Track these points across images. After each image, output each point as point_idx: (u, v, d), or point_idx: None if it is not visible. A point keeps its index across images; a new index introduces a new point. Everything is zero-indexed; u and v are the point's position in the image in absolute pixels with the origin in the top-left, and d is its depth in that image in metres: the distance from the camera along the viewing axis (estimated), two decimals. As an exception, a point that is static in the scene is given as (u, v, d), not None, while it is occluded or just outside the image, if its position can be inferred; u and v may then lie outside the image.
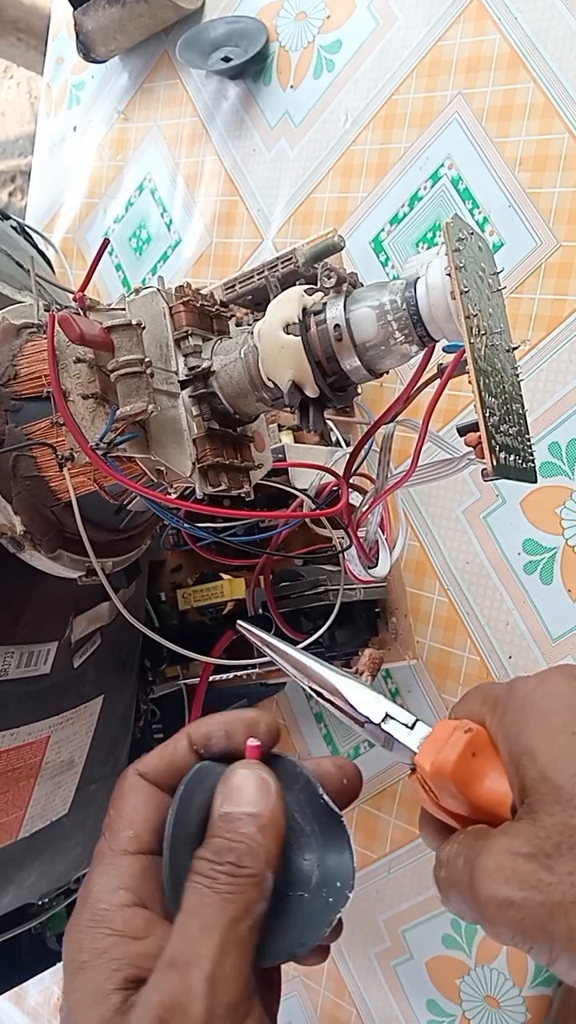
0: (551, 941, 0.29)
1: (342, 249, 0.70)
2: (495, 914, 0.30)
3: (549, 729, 0.33)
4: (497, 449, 0.37)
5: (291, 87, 0.85)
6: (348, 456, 0.51)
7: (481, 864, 0.31)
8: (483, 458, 0.37)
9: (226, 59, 0.87)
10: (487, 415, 0.37)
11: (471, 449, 0.41)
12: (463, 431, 0.41)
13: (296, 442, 0.68)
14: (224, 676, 0.70)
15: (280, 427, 0.69)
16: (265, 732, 0.39)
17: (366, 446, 0.50)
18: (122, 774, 0.39)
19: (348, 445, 0.72)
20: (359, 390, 0.44)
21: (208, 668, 0.68)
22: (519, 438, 0.40)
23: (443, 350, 0.40)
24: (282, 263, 0.71)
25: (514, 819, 0.33)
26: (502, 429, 0.38)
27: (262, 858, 0.34)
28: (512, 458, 0.38)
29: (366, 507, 0.51)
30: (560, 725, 0.33)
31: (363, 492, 0.58)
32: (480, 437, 0.36)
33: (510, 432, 0.39)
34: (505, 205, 0.72)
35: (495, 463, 0.37)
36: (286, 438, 0.68)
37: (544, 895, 0.29)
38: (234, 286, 0.75)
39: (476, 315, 0.37)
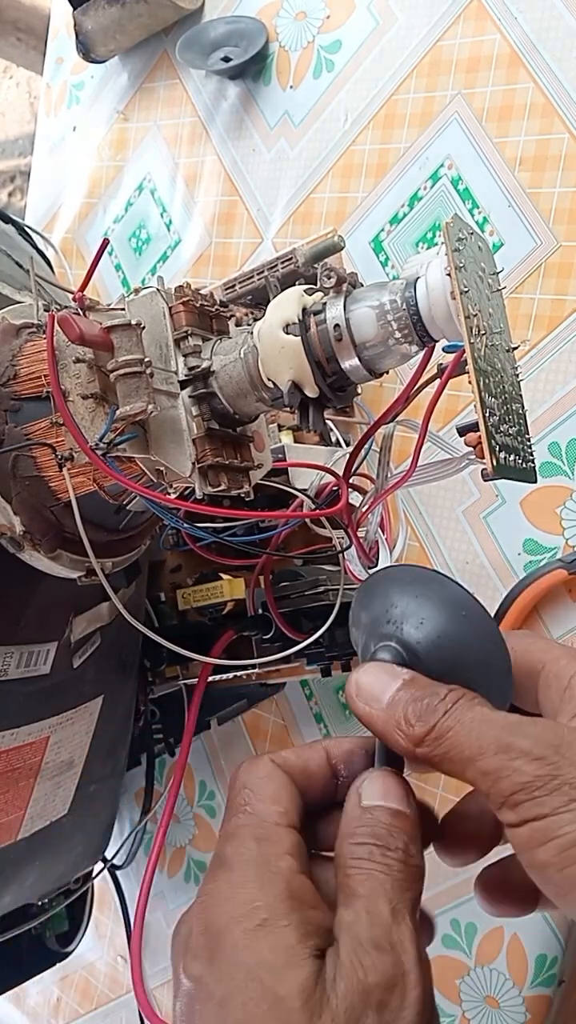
0: (569, 802, 0.30)
1: (342, 249, 0.70)
2: (528, 762, 0.31)
3: None
4: (497, 449, 0.37)
5: (291, 87, 0.85)
6: (348, 456, 0.51)
7: (525, 729, 0.32)
8: (483, 458, 0.37)
9: (226, 59, 0.87)
10: (487, 415, 0.37)
11: (471, 449, 0.41)
12: (463, 431, 0.41)
13: (296, 442, 0.68)
14: (224, 676, 0.70)
15: (280, 427, 0.69)
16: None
17: (366, 446, 0.50)
18: (253, 760, 0.38)
19: (348, 445, 0.72)
20: (359, 390, 0.44)
21: (207, 668, 0.68)
22: (519, 438, 0.40)
23: (443, 350, 0.40)
24: (282, 263, 0.71)
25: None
26: (502, 429, 0.38)
27: (421, 853, 0.35)
28: (512, 458, 0.38)
29: (366, 507, 0.51)
30: None
31: (363, 492, 0.58)
32: (480, 437, 0.36)
33: (510, 432, 0.39)
34: (505, 205, 0.72)
35: (495, 463, 0.37)
36: (286, 438, 0.68)
37: None
38: (234, 286, 0.75)
39: (476, 315, 0.37)
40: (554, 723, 0.34)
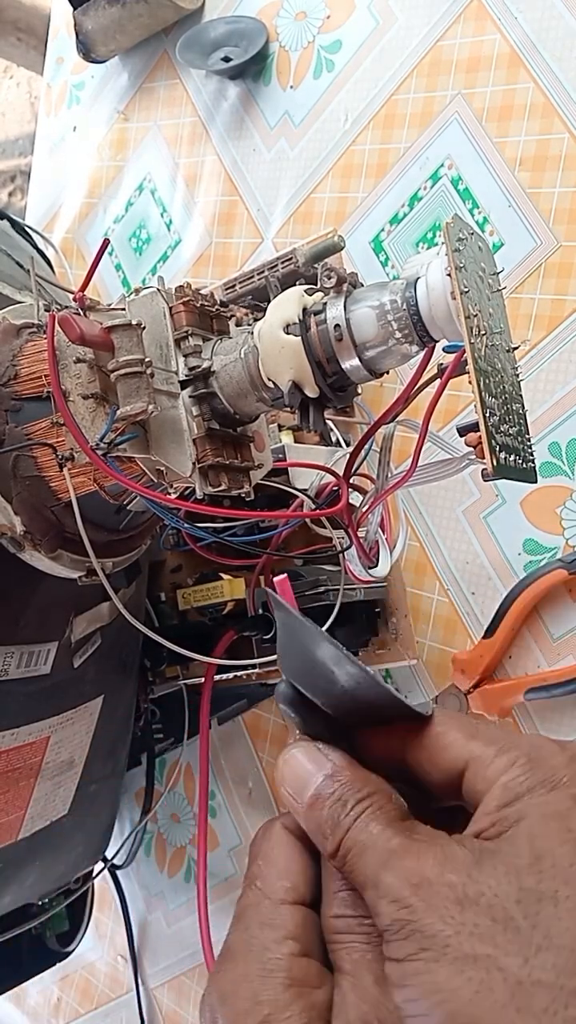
0: (419, 951, 0.29)
1: (342, 249, 0.70)
2: (388, 903, 0.30)
3: (551, 812, 0.31)
4: (497, 449, 0.37)
5: (291, 87, 0.85)
6: (348, 456, 0.51)
7: (403, 862, 0.31)
8: (483, 458, 0.37)
9: (226, 59, 0.87)
10: (487, 415, 0.37)
11: (471, 449, 0.41)
12: (463, 431, 0.41)
13: (296, 442, 0.68)
14: (224, 676, 0.70)
15: (280, 427, 0.69)
16: None
17: (366, 446, 0.50)
18: (265, 826, 0.38)
19: (348, 445, 0.72)
20: (359, 390, 0.44)
21: (212, 669, 0.68)
22: (519, 438, 0.40)
23: (443, 350, 0.40)
24: (282, 263, 0.71)
25: (467, 842, 0.32)
26: (502, 429, 0.38)
27: None
28: (512, 458, 0.38)
29: (366, 507, 0.51)
30: (563, 815, 0.31)
31: (363, 492, 0.58)
32: (480, 437, 0.36)
33: (510, 432, 0.39)
34: (505, 205, 0.72)
35: (495, 463, 0.37)
36: (286, 438, 0.68)
37: (440, 923, 0.29)
38: (234, 286, 0.75)
39: (476, 315, 0.37)
40: (433, 849, 0.31)
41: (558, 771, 0.32)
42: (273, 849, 0.37)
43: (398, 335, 0.39)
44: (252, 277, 0.74)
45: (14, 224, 0.79)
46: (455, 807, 0.36)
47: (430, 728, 0.36)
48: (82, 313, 0.44)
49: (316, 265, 0.68)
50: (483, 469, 0.37)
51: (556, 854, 0.29)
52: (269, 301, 0.43)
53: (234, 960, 0.34)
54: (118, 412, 0.41)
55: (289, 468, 0.62)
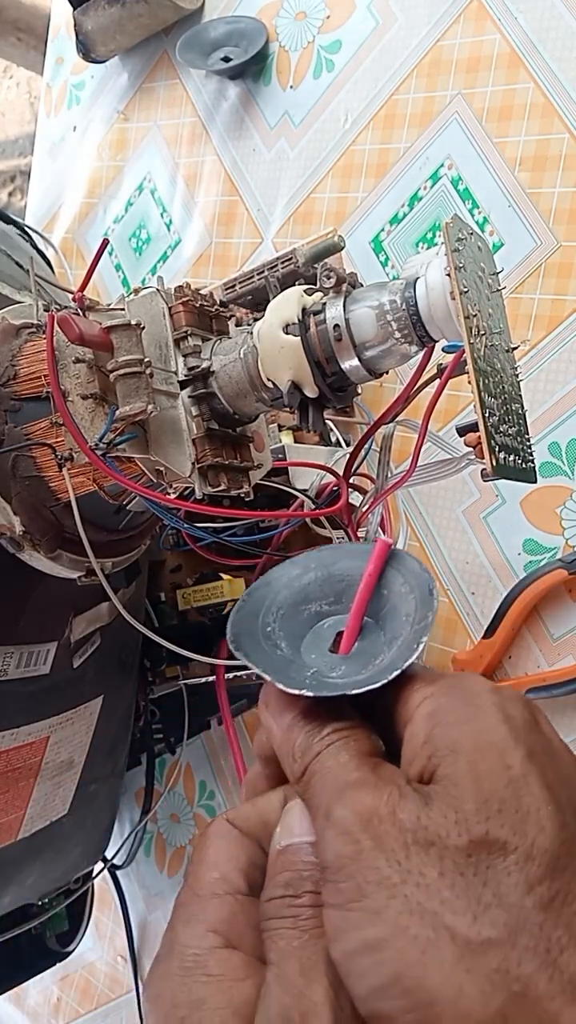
0: (360, 897, 0.27)
1: (342, 249, 0.70)
2: (335, 835, 0.28)
3: (485, 742, 0.29)
4: (497, 449, 0.37)
5: (291, 87, 0.85)
6: (348, 456, 0.51)
7: (358, 794, 0.29)
8: (483, 458, 0.37)
9: (226, 59, 0.87)
10: (487, 415, 0.37)
11: (471, 449, 0.41)
12: (463, 431, 0.41)
13: (296, 442, 0.68)
14: (225, 677, 0.70)
15: (280, 427, 0.69)
16: None
17: (366, 446, 0.50)
18: (209, 823, 0.36)
19: (348, 445, 0.72)
20: (359, 390, 0.44)
21: (223, 668, 0.68)
22: (519, 438, 0.40)
23: (443, 350, 0.40)
24: (282, 263, 0.71)
25: (416, 784, 0.30)
26: (502, 429, 0.38)
27: None
28: (512, 458, 0.38)
29: (366, 507, 0.51)
30: (498, 747, 0.29)
31: (363, 492, 0.58)
32: (480, 437, 0.36)
33: (510, 432, 0.39)
34: (505, 205, 0.72)
35: (495, 463, 0.37)
36: (286, 438, 0.68)
37: (386, 864, 0.27)
38: (234, 286, 0.75)
39: (476, 315, 0.37)
40: (389, 787, 0.29)
41: (481, 695, 0.31)
42: (208, 842, 0.35)
43: (397, 335, 0.39)
44: (252, 277, 0.73)
45: (14, 224, 0.79)
46: None
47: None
48: (81, 313, 0.44)
49: (316, 265, 0.68)
50: (482, 469, 0.37)
51: (501, 797, 0.28)
52: (269, 301, 0.43)
53: (160, 960, 0.32)
54: (117, 412, 0.41)
55: (289, 468, 0.62)
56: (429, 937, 0.26)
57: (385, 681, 0.32)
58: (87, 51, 0.96)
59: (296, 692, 0.32)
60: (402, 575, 0.36)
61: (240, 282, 0.74)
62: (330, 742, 0.32)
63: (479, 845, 0.27)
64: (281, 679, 0.33)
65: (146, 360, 0.41)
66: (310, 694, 0.32)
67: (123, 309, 0.45)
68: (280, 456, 0.63)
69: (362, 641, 0.35)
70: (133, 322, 0.42)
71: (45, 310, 0.51)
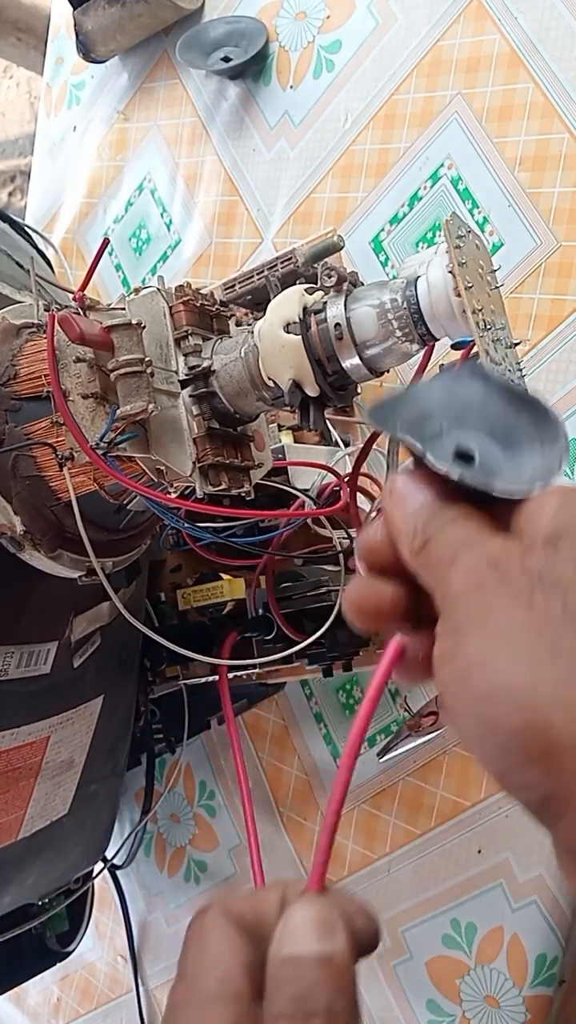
0: (482, 612, 0.28)
1: (342, 249, 0.70)
2: (458, 576, 0.29)
3: None
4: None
5: (291, 87, 0.85)
6: (356, 456, 0.51)
7: (483, 541, 0.29)
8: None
9: (226, 59, 0.87)
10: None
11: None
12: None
13: (296, 442, 0.68)
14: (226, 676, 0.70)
15: (280, 427, 0.69)
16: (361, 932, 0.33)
17: (371, 447, 0.50)
18: (200, 911, 0.33)
19: (347, 445, 0.72)
20: (359, 389, 0.44)
21: (225, 668, 0.68)
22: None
23: (451, 347, 0.40)
24: (282, 263, 0.71)
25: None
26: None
27: (351, 999, 0.29)
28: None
29: (376, 512, 0.51)
30: None
31: (366, 493, 0.58)
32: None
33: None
34: (505, 205, 0.72)
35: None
36: (286, 438, 0.68)
37: (508, 600, 0.28)
38: (234, 286, 0.75)
39: (481, 310, 0.37)
40: (515, 541, 0.30)
41: None
42: (206, 936, 0.32)
43: (398, 333, 0.39)
44: (252, 277, 0.73)
45: (14, 224, 0.79)
46: None
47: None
48: (82, 313, 0.44)
49: (316, 265, 0.68)
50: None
51: None
52: (269, 301, 0.43)
53: None
54: (118, 411, 0.41)
55: (289, 468, 0.62)
56: (547, 652, 0.26)
57: (542, 486, 0.31)
58: (87, 51, 0.96)
59: (445, 469, 0.31)
60: (527, 413, 0.35)
61: (240, 282, 0.74)
62: (456, 516, 0.31)
63: None
64: (432, 453, 0.31)
65: (147, 359, 0.41)
66: (459, 478, 0.31)
67: (124, 309, 0.45)
68: (280, 456, 0.63)
69: (483, 459, 0.34)
70: (134, 321, 0.42)
71: (46, 310, 0.51)
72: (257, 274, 0.73)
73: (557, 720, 0.25)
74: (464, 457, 0.33)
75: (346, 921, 0.31)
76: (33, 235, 0.90)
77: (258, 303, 0.74)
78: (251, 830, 0.36)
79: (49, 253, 0.94)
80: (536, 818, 0.27)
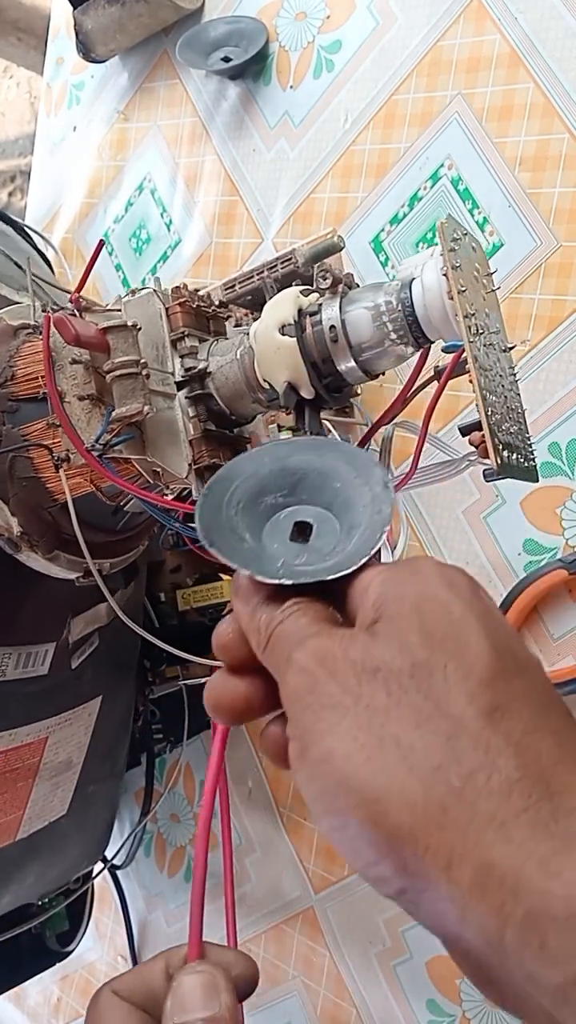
0: (315, 722, 0.29)
1: (342, 249, 0.70)
2: (295, 673, 0.30)
3: (429, 596, 0.31)
4: (500, 448, 0.37)
5: (291, 87, 0.85)
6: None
7: (314, 641, 0.31)
8: (487, 457, 0.36)
9: (226, 59, 0.87)
10: (489, 413, 0.37)
11: (471, 450, 0.40)
12: (466, 431, 0.41)
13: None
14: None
15: (280, 428, 0.69)
16: (241, 979, 0.38)
17: (365, 448, 0.50)
18: (96, 995, 0.38)
19: (347, 445, 0.72)
20: (358, 391, 0.44)
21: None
22: (520, 436, 0.40)
23: (442, 350, 0.40)
24: (281, 263, 0.71)
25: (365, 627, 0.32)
26: (504, 428, 0.38)
27: None
28: (515, 457, 0.38)
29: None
30: (442, 600, 0.31)
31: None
32: (483, 436, 0.36)
33: (512, 431, 0.39)
34: (505, 205, 0.72)
35: (499, 461, 0.36)
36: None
37: (338, 690, 0.29)
38: (234, 286, 0.75)
39: (473, 314, 0.37)
40: (341, 633, 0.31)
41: (426, 566, 0.33)
42: (101, 1016, 0.36)
43: (393, 336, 0.39)
44: (252, 277, 0.73)
45: (13, 225, 0.79)
46: None
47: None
48: (78, 314, 0.44)
49: (315, 265, 0.68)
50: (485, 469, 0.37)
51: (443, 632, 0.30)
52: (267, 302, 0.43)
53: None
54: (114, 413, 0.41)
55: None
56: (375, 744, 0.28)
57: (356, 566, 0.33)
58: (87, 51, 0.96)
59: (274, 582, 0.33)
60: (355, 469, 0.37)
61: (240, 282, 0.74)
62: (291, 611, 0.33)
63: (421, 667, 0.29)
64: (257, 570, 0.34)
65: (142, 361, 0.41)
66: (288, 582, 0.33)
67: (120, 310, 0.45)
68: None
69: (319, 531, 0.36)
70: (129, 323, 0.42)
71: (44, 311, 0.51)
72: (257, 274, 0.73)
73: (392, 810, 0.27)
74: (303, 528, 0.36)
75: (226, 976, 0.35)
76: (33, 235, 0.90)
77: (258, 304, 0.74)
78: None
79: (49, 253, 0.94)
80: (402, 907, 0.29)
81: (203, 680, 0.71)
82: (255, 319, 0.69)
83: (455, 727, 0.27)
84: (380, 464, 0.36)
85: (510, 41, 0.72)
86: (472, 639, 0.30)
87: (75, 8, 0.93)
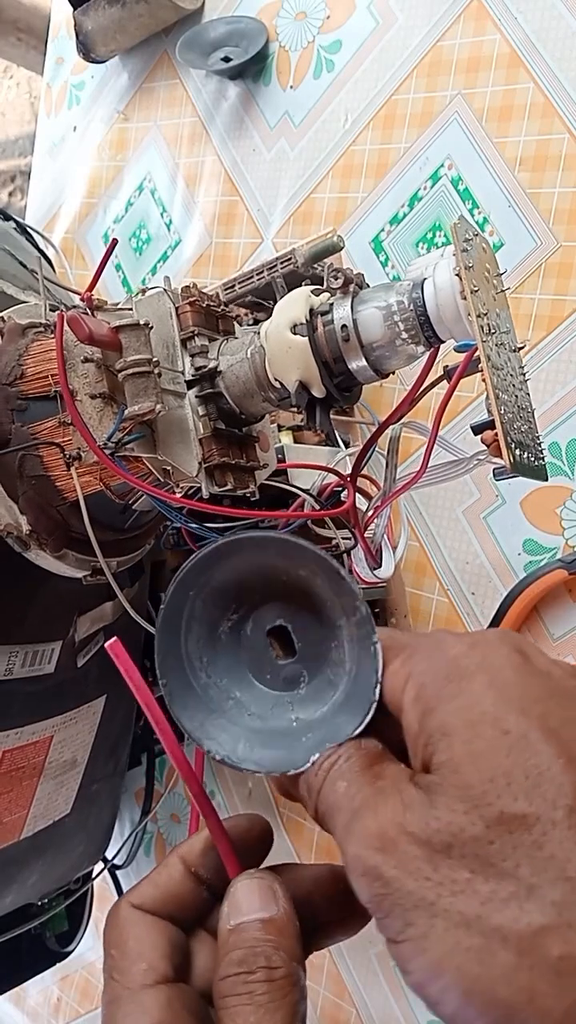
0: (405, 927, 0.25)
1: (341, 249, 0.71)
2: (358, 877, 0.27)
3: (476, 715, 0.27)
4: (513, 446, 0.37)
5: (291, 87, 0.85)
6: (355, 456, 0.51)
7: (363, 823, 0.27)
8: (498, 456, 0.37)
9: (226, 59, 0.87)
10: (502, 412, 0.37)
11: (480, 450, 0.41)
12: (478, 429, 0.41)
13: (296, 442, 0.68)
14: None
15: (280, 427, 0.69)
16: (258, 838, 0.37)
17: (372, 447, 0.50)
18: (113, 911, 0.35)
19: (348, 445, 0.72)
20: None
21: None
22: (530, 435, 0.40)
23: (454, 350, 0.40)
24: (281, 263, 0.71)
25: (418, 781, 0.28)
26: (516, 426, 0.38)
27: (291, 954, 0.31)
28: (526, 455, 0.39)
29: (372, 511, 0.52)
30: (490, 715, 0.27)
31: (364, 494, 0.58)
32: (496, 435, 0.36)
33: (522, 429, 0.39)
34: (505, 205, 0.72)
35: (512, 460, 0.37)
36: (286, 438, 0.68)
37: (416, 885, 0.25)
38: (234, 286, 0.75)
39: (485, 314, 0.37)
40: (391, 799, 0.28)
41: (461, 660, 0.29)
42: (123, 933, 0.34)
43: (404, 336, 0.39)
44: (252, 277, 0.73)
45: (15, 224, 0.79)
46: None
47: None
48: (90, 313, 0.44)
49: (316, 265, 0.68)
50: (495, 468, 0.37)
51: (506, 769, 0.26)
52: (272, 300, 0.43)
53: None
54: (126, 411, 0.41)
55: (288, 468, 0.62)
56: (482, 945, 0.24)
57: (366, 722, 0.31)
58: (87, 51, 0.96)
59: (305, 768, 0.32)
60: (335, 592, 0.35)
61: (240, 282, 0.74)
62: (326, 772, 0.31)
63: (498, 827, 0.25)
64: (288, 763, 0.32)
65: (155, 360, 0.41)
66: (314, 758, 0.32)
67: (131, 309, 0.45)
68: (280, 456, 0.63)
69: (311, 674, 0.35)
70: (141, 322, 0.42)
71: (52, 310, 0.51)
72: (257, 274, 0.73)
73: (522, 1012, 0.23)
74: (279, 632, 0.34)
75: (281, 885, 0.33)
76: (34, 235, 0.90)
77: (258, 303, 0.74)
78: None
79: (50, 253, 0.94)
80: None
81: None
82: (255, 319, 0.69)
83: (561, 895, 0.24)
84: (353, 582, 0.33)
85: (510, 41, 0.72)
86: (543, 763, 0.26)
87: (75, 8, 0.93)
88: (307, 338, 0.40)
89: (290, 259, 0.71)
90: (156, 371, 0.41)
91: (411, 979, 0.26)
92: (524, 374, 0.42)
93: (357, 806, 0.28)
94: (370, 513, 0.52)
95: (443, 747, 0.27)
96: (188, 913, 0.35)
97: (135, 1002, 0.32)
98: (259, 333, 0.43)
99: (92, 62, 0.98)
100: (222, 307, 0.46)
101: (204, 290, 0.46)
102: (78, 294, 0.45)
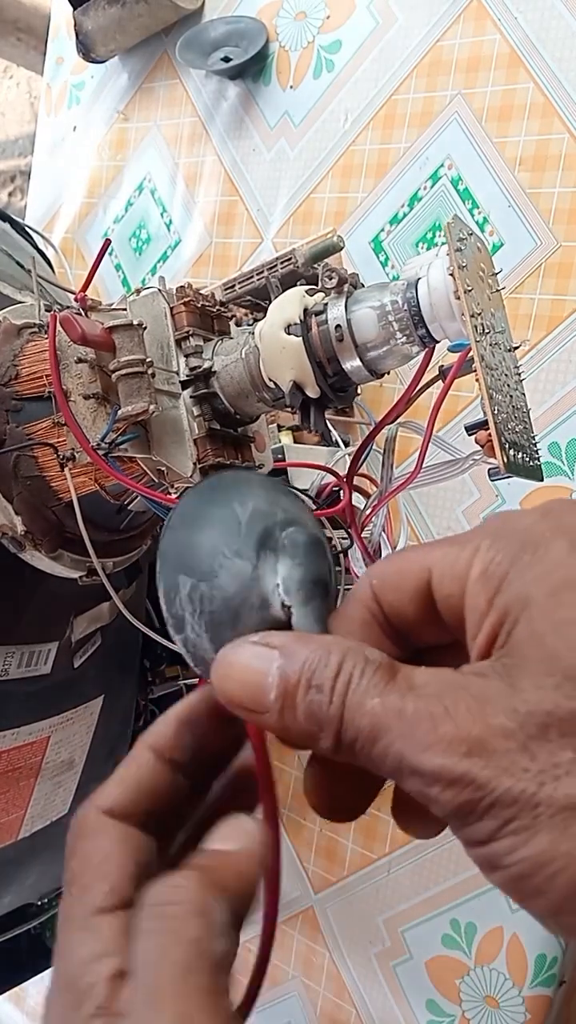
0: (503, 826, 0.23)
1: (341, 249, 0.70)
2: (445, 790, 0.24)
3: (559, 581, 0.25)
4: (507, 447, 0.37)
5: (291, 87, 0.85)
6: (351, 456, 0.51)
7: (437, 732, 0.24)
8: (493, 456, 0.36)
9: (226, 59, 0.87)
10: (495, 412, 0.37)
11: (476, 450, 0.41)
12: (471, 429, 0.41)
13: (295, 442, 0.68)
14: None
15: (280, 427, 0.69)
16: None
17: (368, 447, 0.50)
18: (80, 817, 0.30)
19: (347, 445, 0.72)
20: (359, 390, 0.44)
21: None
22: (525, 435, 0.40)
23: (448, 350, 0.40)
24: (281, 263, 0.71)
25: (483, 670, 0.25)
26: (510, 427, 0.38)
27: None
28: (520, 456, 0.38)
29: (370, 510, 0.51)
30: (571, 578, 0.25)
31: (363, 493, 0.58)
32: (489, 435, 0.36)
33: (517, 430, 0.39)
34: (505, 205, 0.72)
35: (506, 460, 0.36)
36: (285, 439, 0.68)
37: (513, 781, 0.23)
38: (233, 286, 0.75)
39: (480, 313, 0.37)
40: (459, 699, 0.24)
41: (533, 529, 0.27)
42: (88, 844, 0.29)
43: (399, 336, 0.39)
44: (252, 277, 0.73)
45: (14, 224, 0.79)
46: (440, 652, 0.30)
47: (385, 560, 0.30)
48: (83, 313, 0.44)
49: (316, 265, 0.68)
50: (489, 468, 0.37)
51: None
52: (269, 301, 0.43)
53: (53, 988, 0.27)
54: (120, 412, 0.41)
55: (288, 468, 0.62)
56: None
57: None
58: (87, 51, 0.96)
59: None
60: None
61: (240, 282, 0.74)
62: (342, 695, 0.26)
63: None
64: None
65: (148, 360, 0.41)
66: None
67: (125, 309, 0.45)
68: (279, 456, 0.63)
69: None
70: (135, 322, 0.42)
71: (47, 310, 0.51)
72: (257, 274, 0.73)
73: None
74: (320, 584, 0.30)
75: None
76: (33, 235, 0.90)
77: (257, 303, 0.74)
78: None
79: (49, 253, 0.94)
80: None
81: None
82: (255, 319, 0.69)
83: None
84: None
85: (510, 41, 0.72)
86: None
87: (75, 8, 0.93)
88: (301, 338, 0.40)
89: (290, 259, 0.71)
90: (150, 371, 0.41)
91: (509, 873, 0.23)
92: (519, 374, 0.42)
93: (413, 718, 0.25)
94: (367, 512, 0.52)
95: (524, 620, 0.25)
96: (165, 806, 0.31)
97: (89, 929, 0.28)
98: (253, 333, 0.43)
99: (92, 62, 0.98)
100: (217, 307, 0.46)
101: (203, 290, 0.46)
102: (73, 294, 0.45)
